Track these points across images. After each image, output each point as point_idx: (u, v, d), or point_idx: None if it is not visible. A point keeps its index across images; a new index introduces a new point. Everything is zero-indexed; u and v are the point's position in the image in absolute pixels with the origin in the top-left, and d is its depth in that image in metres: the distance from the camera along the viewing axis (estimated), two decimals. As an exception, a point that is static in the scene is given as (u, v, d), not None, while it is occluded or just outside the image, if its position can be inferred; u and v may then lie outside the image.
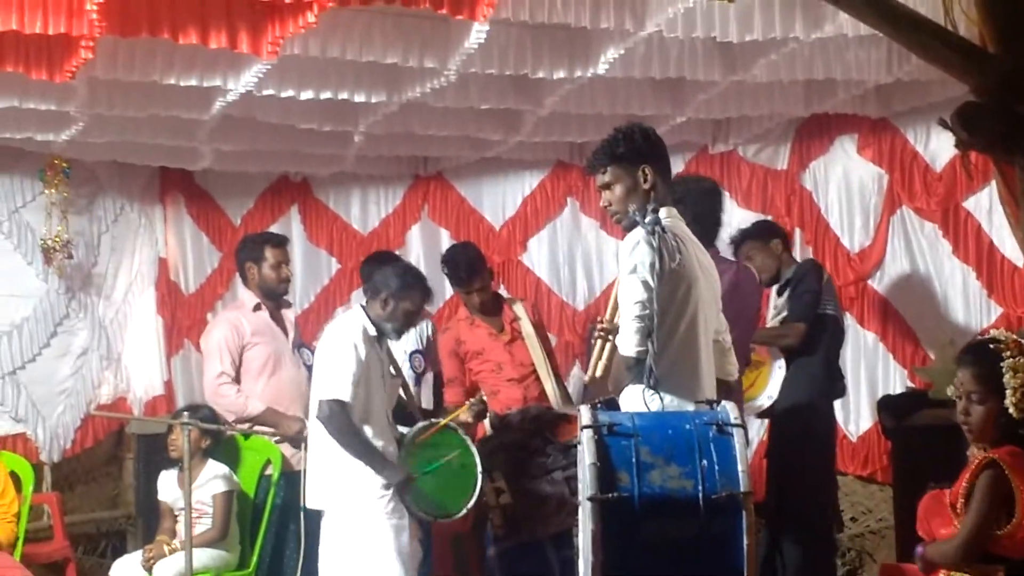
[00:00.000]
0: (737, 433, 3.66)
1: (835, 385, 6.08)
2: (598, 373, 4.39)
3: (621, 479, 3.60)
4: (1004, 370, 3.61)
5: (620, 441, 3.67)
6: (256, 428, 6.23)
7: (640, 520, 3.57)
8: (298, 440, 6.04)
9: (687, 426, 3.72)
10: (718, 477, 3.58)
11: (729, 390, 4.72)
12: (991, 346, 3.74)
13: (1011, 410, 3.56)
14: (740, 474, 3.57)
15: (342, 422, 5.30)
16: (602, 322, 4.48)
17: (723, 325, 4.64)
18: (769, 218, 6.71)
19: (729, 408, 3.79)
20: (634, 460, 3.62)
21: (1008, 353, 3.62)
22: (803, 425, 5.88)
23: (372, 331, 5.47)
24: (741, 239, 6.21)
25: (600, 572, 3.57)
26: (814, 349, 5.87)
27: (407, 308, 5.52)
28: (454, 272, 6.42)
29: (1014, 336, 3.64)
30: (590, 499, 3.57)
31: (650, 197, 4.37)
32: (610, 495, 3.56)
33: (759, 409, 6.15)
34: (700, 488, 3.57)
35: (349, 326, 5.51)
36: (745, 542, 3.53)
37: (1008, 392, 3.59)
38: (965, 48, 2.44)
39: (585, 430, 3.69)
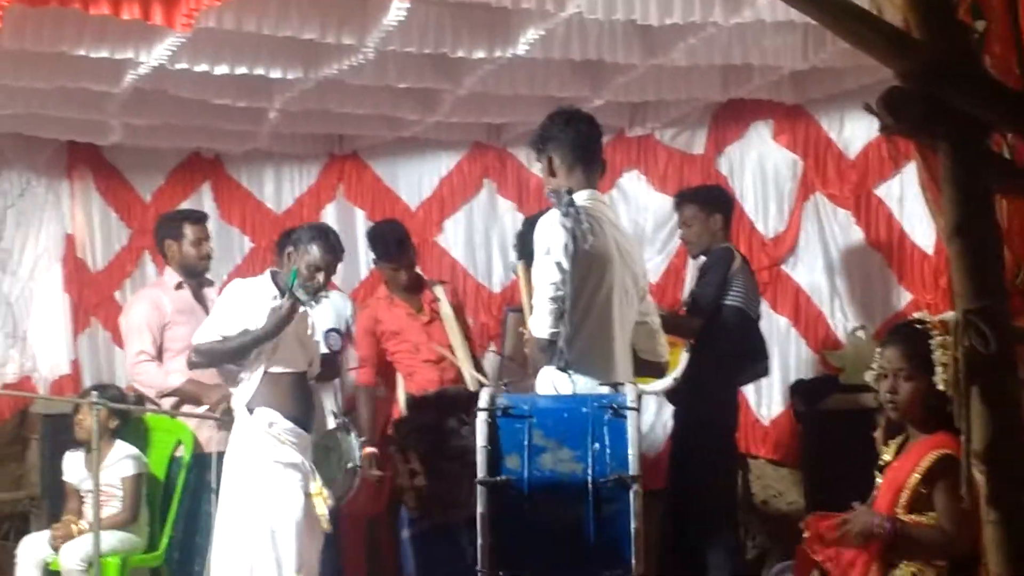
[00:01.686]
0: (631, 416, 3.67)
1: (742, 372, 6.12)
2: None
3: (512, 462, 3.65)
4: (933, 347, 3.67)
5: (514, 424, 3.72)
6: (181, 410, 6.15)
7: (529, 503, 3.63)
8: (220, 407, 5.94)
9: (584, 409, 3.76)
10: (608, 460, 3.63)
11: (660, 371, 4.79)
12: (918, 326, 3.81)
13: (940, 386, 3.61)
14: (630, 457, 3.60)
15: (206, 354, 5.45)
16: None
17: (650, 307, 4.67)
18: (717, 186, 6.68)
19: (628, 391, 3.81)
20: (526, 443, 3.67)
21: (936, 332, 3.69)
22: (697, 411, 5.94)
23: (271, 291, 5.42)
24: (687, 200, 6.18)
25: (490, 555, 3.62)
26: (712, 339, 5.88)
27: (309, 261, 5.41)
28: (384, 246, 6.38)
29: (938, 318, 3.71)
30: (479, 482, 3.62)
31: (561, 181, 4.42)
32: (498, 478, 3.61)
33: (666, 388, 6.17)
34: (589, 472, 3.61)
35: (244, 285, 5.58)
36: (633, 525, 3.55)
37: (938, 369, 3.64)
38: (891, 33, 2.45)
39: (480, 412, 3.72)
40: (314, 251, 5.42)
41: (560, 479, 3.62)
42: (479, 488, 3.61)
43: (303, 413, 5.47)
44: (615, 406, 3.71)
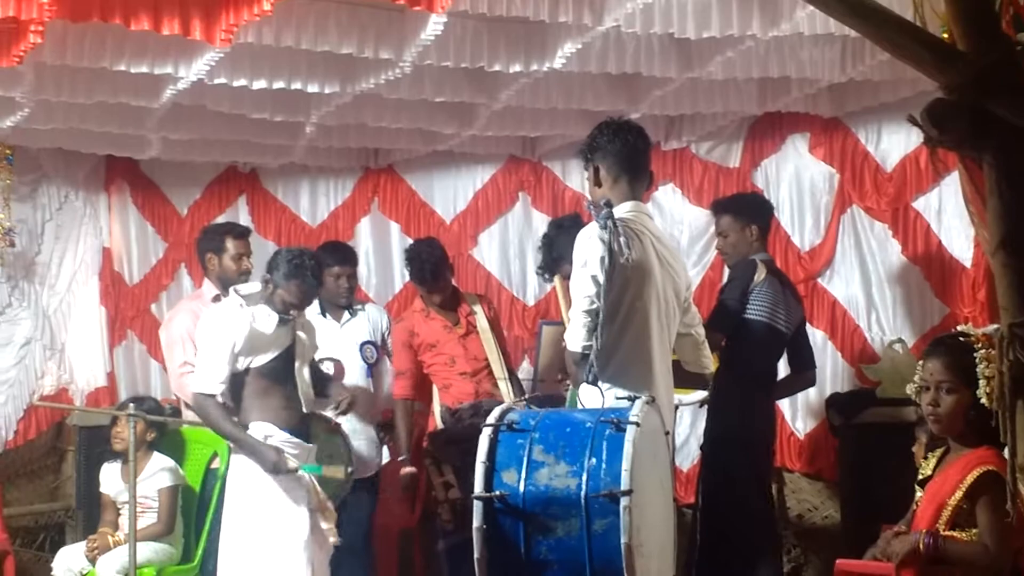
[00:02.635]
0: (630, 430, 3.64)
1: (774, 385, 5.99)
2: None
3: (509, 477, 3.68)
4: (978, 360, 3.63)
5: (516, 439, 3.73)
6: None
7: (525, 518, 3.65)
8: None
9: (587, 423, 3.75)
10: (603, 476, 3.62)
11: (705, 382, 4.75)
12: (961, 339, 3.77)
13: (984, 400, 3.58)
14: (623, 472, 3.58)
15: (210, 414, 5.31)
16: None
17: (695, 318, 4.65)
18: (754, 194, 6.61)
19: (637, 405, 3.78)
20: (525, 458, 3.69)
21: (980, 345, 3.65)
22: (722, 424, 5.85)
23: (242, 312, 5.35)
24: (723, 210, 6.06)
25: (486, 568, 3.67)
26: (735, 353, 5.80)
27: (284, 297, 5.36)
28: (419, 271, 6.35)
29: (981, 331, 3.68)
30: (474, 498, 3.67)
31: (606, 191, 4.43)
32: (494, 493, 3.64)
33: (702, 399, 6.11)
34: (583, 487, 3.61)
35: (216, 320, 5.45)
36: (623, 540, 3.54)
37: (982, 382, 3.61)
38: (936, 45, 2.45)
39: (484, 428, 3.77)
40: (289, 290, 5.35)
41: (554, 494, 3.64)
42: (475, 503, 3.65)
43: (299, 423, 5.40)
44: (616, 420, 3.68)
